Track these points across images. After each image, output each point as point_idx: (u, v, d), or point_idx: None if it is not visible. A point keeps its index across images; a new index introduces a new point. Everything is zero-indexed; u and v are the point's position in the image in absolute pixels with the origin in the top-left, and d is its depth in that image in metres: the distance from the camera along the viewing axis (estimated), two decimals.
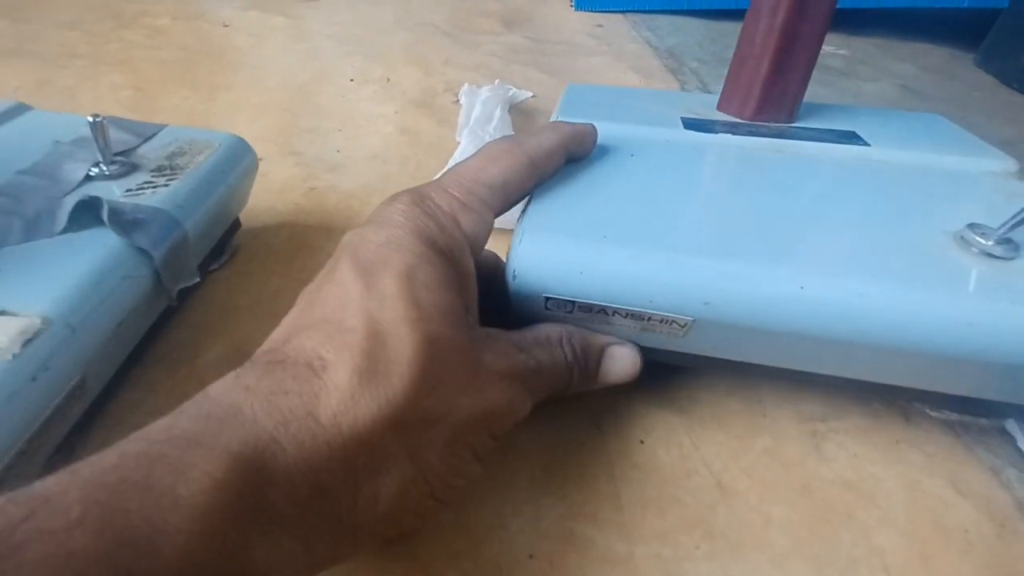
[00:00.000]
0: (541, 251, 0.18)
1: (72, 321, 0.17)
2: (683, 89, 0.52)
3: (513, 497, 0.19)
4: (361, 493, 0.14)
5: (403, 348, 0.14)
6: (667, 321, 0.18)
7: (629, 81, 0.54)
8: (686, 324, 0.18)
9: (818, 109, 0.31)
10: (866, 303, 0.17)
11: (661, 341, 0.19)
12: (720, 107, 0.31)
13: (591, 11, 0.75)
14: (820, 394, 0.23)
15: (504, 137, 0.21)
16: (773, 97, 0.28)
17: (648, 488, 0.19)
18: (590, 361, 0.19)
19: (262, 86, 0.49)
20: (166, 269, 0.21)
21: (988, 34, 0.61)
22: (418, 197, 0.17)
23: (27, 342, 0.15)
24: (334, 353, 0.14)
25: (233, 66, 0.53)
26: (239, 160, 0.26)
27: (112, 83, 0.48)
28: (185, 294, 0.24)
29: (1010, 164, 0.25)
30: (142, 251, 0.20)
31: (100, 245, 0.19)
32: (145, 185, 0.22)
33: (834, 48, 0.65)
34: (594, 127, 0.23)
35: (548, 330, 0.19)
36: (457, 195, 0.18)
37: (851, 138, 0.27)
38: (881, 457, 0.21)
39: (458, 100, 0.46)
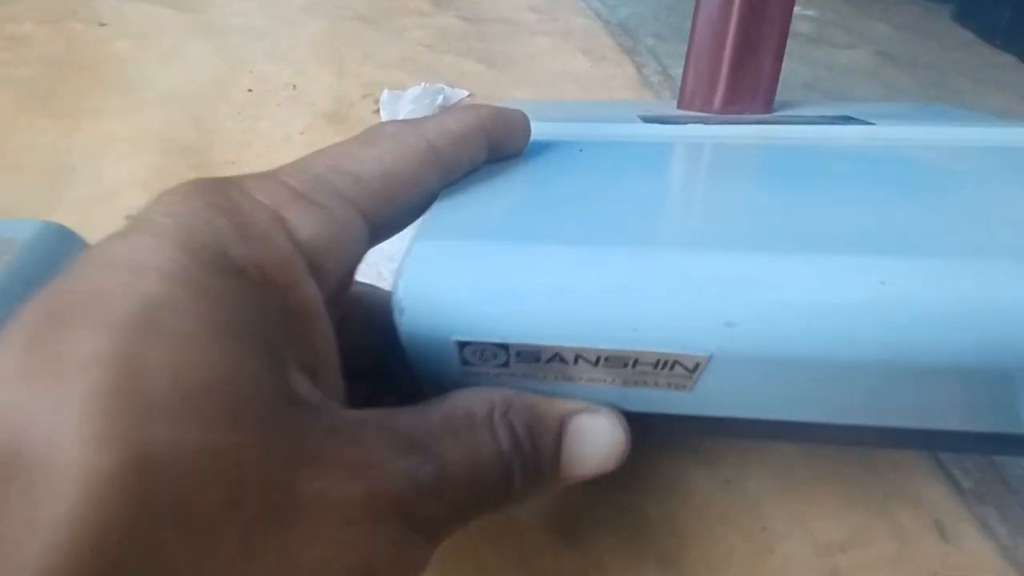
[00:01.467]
0: (447, 265, 0.11)
1: None
2: (640, 73, 0.46)
3: None
4: None
5: (64, 484, 0.06)
6: (666, 364, 0.11)
7: (578, 65, 0.47)
8: (697, 366, 0.11)
9: (794, 104, 0.26)
10: (996, 296, 0.10)
11: (652, 402, 0.13)
12: (682, 106, 0.25)
13: None
14: (832, 507, 0.18)
15: (393, 120, 0.14)
16: (745, 80, 0.23)
17: None
18: (543, 446, 0.12)
19: (140, 107, 0.40)
20: None
21: None
22: (211, 185, 0.10)
23: None
24: None
25: (107, 81, 0.44)
26: (56, 260, 0.19)
27: None
28: None
29: None
30: None
31: None
32: None
33: (801, 8, 0.59)
34: (524, 114, 0.16)
35: (469, 400, 0.12)
36: (293, 183, 0.11)
37: (848, 120, 0.21)
38: None
39: (379, 110, 0.39)
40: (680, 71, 0.25)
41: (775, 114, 0.23)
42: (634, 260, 0.11)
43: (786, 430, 0.13)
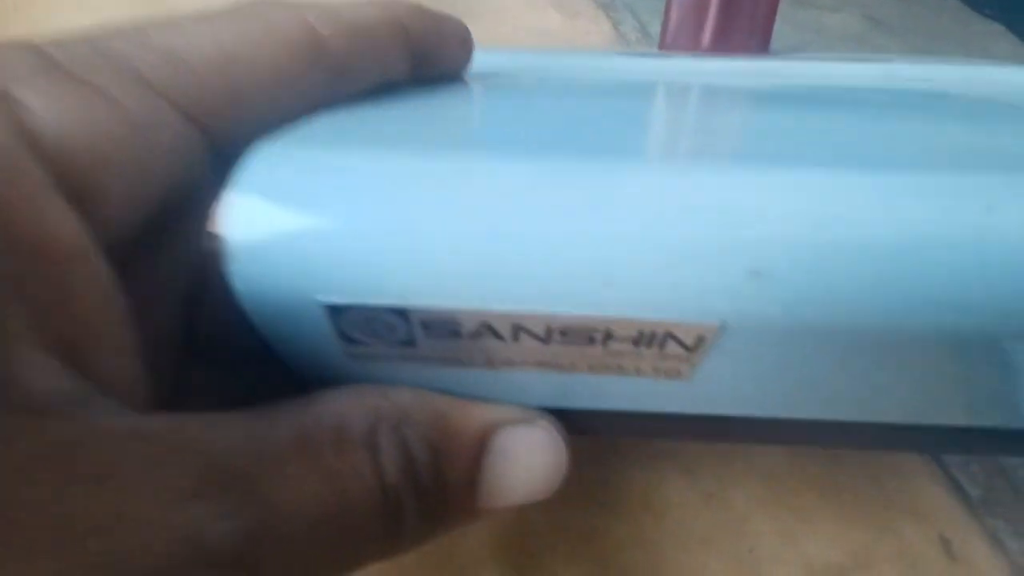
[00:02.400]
0: (307, 183, 0.07)
1: None
2: (617, 30, 0.42)
3: None
4: None
5: None
6: (653, 338, 0.08)
7: (550, 21, 0.43)
8: (701, 340, 0.08)
9: (792, 49, 0.23)
10: None
11: (630, 397, 0.09)
12: (664, 46, 0.22)
13: None
14: (829, 523, 0.16)
15: None
16: (741, 10, 0.20)
17: None
18: (454, 472, 0.09)
19: None
20: None
21: None
22: None
23: None
24: None
25: None
26: None
27: None
28: None
29: None
30: None
31: None
32: None
33: None
34: (462, 22, 0.13)
35: (344, 406, 0.08)
36: (52, 51, 0.07)
37: (861, 59, 0.18)
38: None
39: None
40: (660, 28, 0.22)
41: (775, 54, 0.20)
42: (607, 179, 0.07)
43: (810, 431, 0.10)
